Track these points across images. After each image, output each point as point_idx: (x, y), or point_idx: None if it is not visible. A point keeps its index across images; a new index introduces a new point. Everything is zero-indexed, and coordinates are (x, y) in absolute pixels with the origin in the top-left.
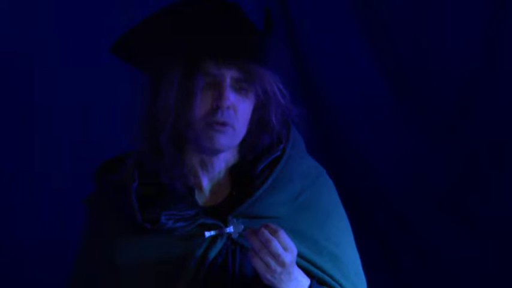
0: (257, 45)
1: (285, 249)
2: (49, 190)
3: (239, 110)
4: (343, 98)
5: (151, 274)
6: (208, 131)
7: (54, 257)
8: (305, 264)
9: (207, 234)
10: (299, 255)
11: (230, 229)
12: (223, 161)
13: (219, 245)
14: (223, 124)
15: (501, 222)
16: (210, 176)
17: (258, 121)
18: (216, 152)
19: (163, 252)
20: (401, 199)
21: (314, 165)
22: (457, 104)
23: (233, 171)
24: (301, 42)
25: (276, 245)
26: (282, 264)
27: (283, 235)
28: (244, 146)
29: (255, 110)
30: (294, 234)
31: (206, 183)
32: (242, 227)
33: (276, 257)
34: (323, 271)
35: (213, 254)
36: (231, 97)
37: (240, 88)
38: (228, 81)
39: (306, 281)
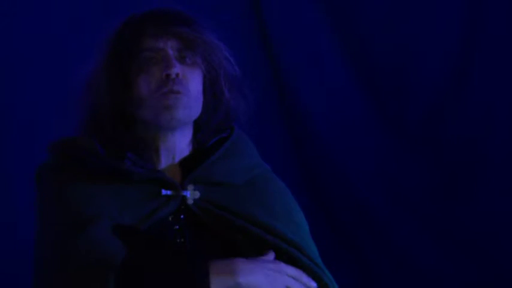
0: (189, 16)
1: None
2: None
3: (189, 79)
4: (316, 102)
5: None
6: (163, 101)
7: None
8: (259, 231)
9: (164, 192)
10: (257, 219)
11: (187, 193)
12: (180, 140)
13: (173, 205)
14: (177, 92)
15: (477, 230)
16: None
17: (212, 98)
18: (173, 128)
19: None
20: (376, 207)
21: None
22: (432, 111)
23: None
24: (275, 44)
25: None
26: None
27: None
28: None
29: (207, 88)
30: (252, 201)
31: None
32: (198, 194)
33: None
34: (280, 235)
35: (165, 212)
36: (178, 66)
37: (183, 57)
38: (170, 51)
39: None
